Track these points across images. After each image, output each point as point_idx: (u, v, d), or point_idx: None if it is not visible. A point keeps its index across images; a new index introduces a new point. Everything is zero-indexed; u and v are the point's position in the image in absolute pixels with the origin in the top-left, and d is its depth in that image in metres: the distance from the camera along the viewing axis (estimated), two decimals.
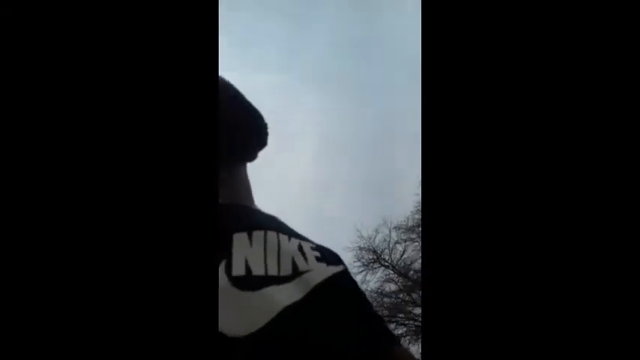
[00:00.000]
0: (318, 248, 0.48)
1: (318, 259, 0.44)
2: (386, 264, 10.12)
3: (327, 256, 0.48)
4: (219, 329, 0.31)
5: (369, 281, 9.52)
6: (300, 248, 0.44)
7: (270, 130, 0.59)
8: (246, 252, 0.39)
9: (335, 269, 0.45)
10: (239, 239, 0.40)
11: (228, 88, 0.55)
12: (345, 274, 0.46)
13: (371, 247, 10.42)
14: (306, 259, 0.42)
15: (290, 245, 0.43)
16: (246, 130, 0.54)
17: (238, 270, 0.36)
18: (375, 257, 10.12)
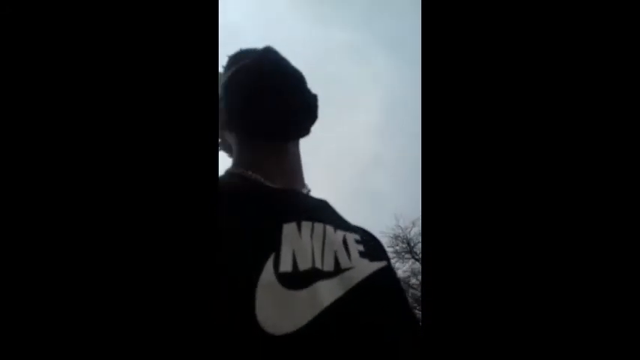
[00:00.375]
0: (363, 240, 0.48)
1: (361, 253, 0.44)
2: (417, 257, 10.13)
3: (371, 249, 0.47)
4: (263, 327, 0.31)
5: (398, 269, 9.74)
6: (345, 242, 0.44)
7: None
8: (295, 244, 0.39)
9: (377, 265, 0.45)
10: (288, 230, 0.40)
11: (269, 53, 0.54)
12: (387, 269, 0.46)
13: (406, 238, 10.43)
14: (349, 254, 0.43)
15: (335, 238, 0.43)
16: (293, 104, 0.52)
17: (286, 265, 0.36)
18: (408, 248, 10.20)
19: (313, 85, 0.55)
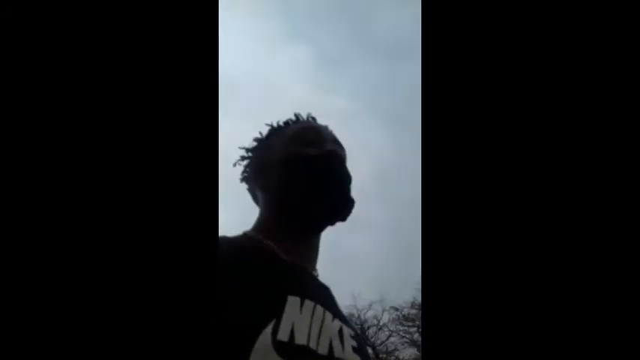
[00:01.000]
0: (356, 337, 0.49)
1: (354, 349, 0.45)
2: (368, 343, 10.06)
3: (363, 348, 0.48)
4: None
5: None
6: (340, 332, 0.45)
7: None
8: (295, 317, 0.39)
9: None
10: (292, 302, 0.41)
11: (335, 157, 0.58)
12: None
13: (359, 321, 10.48)
14: (343, 346, 0.43)
15: (332, 326, 0.44)
16: (338, 204, 0.56)
17: (283, 334, 0.37)
18: (360, 332, 10.21)
19: None
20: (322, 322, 0.42)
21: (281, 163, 0.57)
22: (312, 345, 0.39)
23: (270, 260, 0.48)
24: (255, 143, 0.65)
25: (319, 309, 0.43)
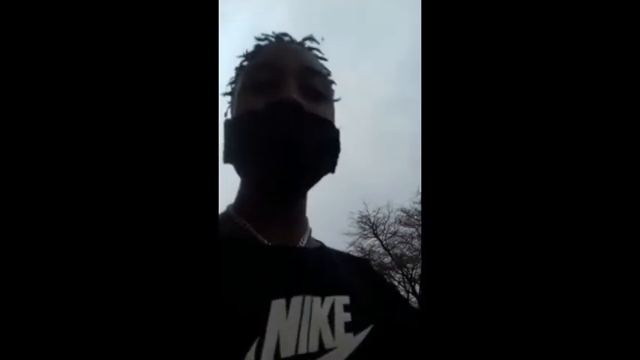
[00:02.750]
0: (352, 304, 0.45)
1: (347, 326, 0.42)
2: (378, 236, 11.25)
3: (359, 312, 0.45)
4: None
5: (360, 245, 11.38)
6: (331, 313, 0.42)
7: None
8: (281, 325, 0.37)
9: (361, 337, 0.43)
10: (276, 307, 0.38)
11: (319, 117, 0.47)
12: (374, 332, 0.44)
13: (369, 221, 11.49)
14: (333, 331, 0.41)
15: (322, 313, 0.41)
16: (324, 158, 0.47)
17: (268, 353, 0.34)
18: (371, 229, 11.45)
19: None
20: (310, 314, 0.40)
21: (230, 124, 0.47)
22: (302, 349, 0.37)
23: (250, 253, 0.43)
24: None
25: (307, 300, 0.41)
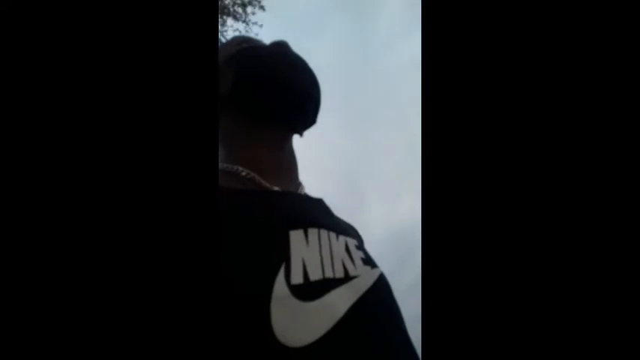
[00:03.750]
0: (361, 246, 0.48)
1: (363, 261, 0.44)
2: None
3: (368, 255, 0.48)
4: (281, 341, 0.31)
5: None
6: (347, 249, 0.44)
7: None
8: (303, 253, 0.38)
9: (377, 273, 0.45)
10: (296, 238, 0.39)
11: (288, 52, 0.52)
12: (383, 277, 0.47)
13: None
14: (353, 262, 0.43)
15: (339, 246, 0.43)
16: (305, 102, 0.50)
17: (297, 277, 0.36)
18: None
19: None
20: (330, 246, 0.42)
21: (229, 63, 0.49)
22: (328, 274, 0.38)
23: (257, 197, 0.44)
24: None
25: (323, 233, 0.42)
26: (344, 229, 0.49)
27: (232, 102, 0.49)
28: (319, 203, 0.52)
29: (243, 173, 0.47)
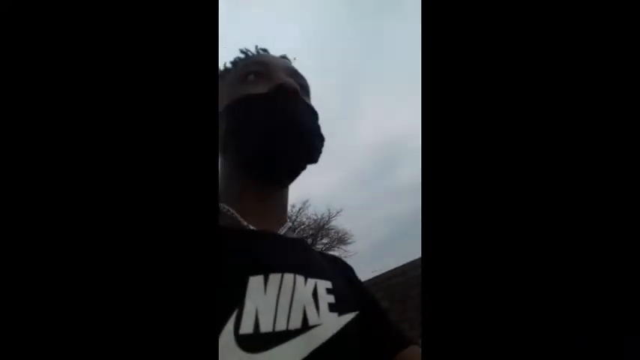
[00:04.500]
0: (335, 289, 0.45)
1: (331, 306, 0.42)
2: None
3: (342, 298, 0.45)
4: None
5: None
6: (315, 293, 0.42)
7: None
8: (259, 301, 0.36)
9: (346, 319, 0.43)
10: (254, 284, 0.38)
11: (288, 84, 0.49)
12: (358, 319, 0.45)
13: None
14: (318, 308, 0.41)
15: (305, 291, 0.41)
16: (295, 165, 0.50)
17: (247, 327, 0.34)
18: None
19: None
20: (293, 291, 0.40)
21: (226, 111, 0.48)
22: (281, 325, 0.37)
23: (232, 235, 0.43)
24: None
25: (288, 277, 0.40)
26: (319, 270, 0.47)
27: (224, 148, 0.50)
28: (297, 243, 0.50)
29: (224, 210, 0.47)
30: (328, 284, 0.45)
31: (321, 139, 0.52)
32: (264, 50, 0.59)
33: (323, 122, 0.53)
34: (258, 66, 0.52)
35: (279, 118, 0.46)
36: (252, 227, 0.45)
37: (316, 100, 0.58)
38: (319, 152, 0.51)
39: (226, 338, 0.33)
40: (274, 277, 0.39)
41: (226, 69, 0.57)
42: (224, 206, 0.47)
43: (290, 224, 0.53)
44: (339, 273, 0.52)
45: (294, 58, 0.61)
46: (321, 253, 0.56)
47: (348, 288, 0.49)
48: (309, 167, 0.53)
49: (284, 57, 0.59)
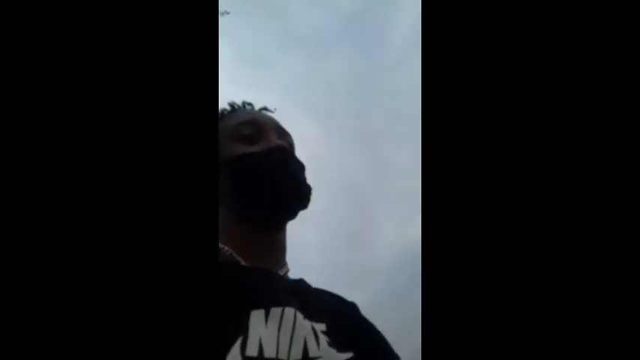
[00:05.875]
0: (329, 332, 0.46)
1: (329, 344, 0.43)
2: None
3: (339, 338, 0.46)
4: None
5: None
6: (314, 329, 0.43)
7: None
8: (261, 332, 0.38)
9: (343, 357, 0.44)
10: (256, 316, 0.39)
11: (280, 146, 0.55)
12: (357, 357, 0.45)
13: None
14: (318, 342, 0.42)
15: (305, 325, 0.43)
16: (294, 191, 0.55)
17: (252, 350, 0.36)
18: None
19: None
20: (294, 324, 0.41)
21: (225, 166, 0.54)
22: (283, 355, 0.38)
23: (231, 271, 0.45)
24: None
25: (289, 312, 0.42)
26: (317, 312, 0.48)
27: (229, 205, 0.54)
28: (298, 284, 0.53)
29: (224, 249, 0.49)
30: (323, 327, 0.46)
31: (309, 188, 0.58)
32: (249, 104, 0.66)
33: None
34: (251, 127, 0.58)
35: (278, 174, 0.53)
36: (250, 265, 0.48)
37: None
38: (309, 200, 0.57)
39: (234, 355, 0.35)
40: (275, 311, 0.41)
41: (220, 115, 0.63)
42: (223, 246, 0.50)
43: (289, 269, 0.56)
44: (341, 312, 0.53)
45: (275, 109, 0.68)
46: (323, 291, 0.58)
47: (347, 329, 0.50)
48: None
49: (265, 109, 0.66)
